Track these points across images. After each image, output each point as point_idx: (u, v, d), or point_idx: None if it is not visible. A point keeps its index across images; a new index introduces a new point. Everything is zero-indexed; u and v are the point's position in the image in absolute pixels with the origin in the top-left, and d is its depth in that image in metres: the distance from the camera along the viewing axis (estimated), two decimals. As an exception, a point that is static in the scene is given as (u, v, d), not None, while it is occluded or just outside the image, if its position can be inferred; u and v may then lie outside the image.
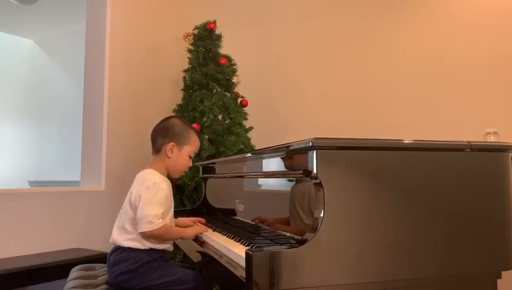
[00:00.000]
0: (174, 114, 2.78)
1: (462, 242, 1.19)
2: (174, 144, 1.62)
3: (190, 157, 1.68)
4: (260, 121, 2.91)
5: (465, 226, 1.20)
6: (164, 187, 1.55)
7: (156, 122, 1.72)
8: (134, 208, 1.51)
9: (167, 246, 1.58)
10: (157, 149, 1.64)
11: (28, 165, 5.27)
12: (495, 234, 1.23)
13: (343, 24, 2.80)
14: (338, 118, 2.74)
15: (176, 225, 1.67)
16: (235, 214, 1.77)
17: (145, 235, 1.49)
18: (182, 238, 1.61)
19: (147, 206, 1.47)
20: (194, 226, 1.68)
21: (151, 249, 1.51)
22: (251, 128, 2.76)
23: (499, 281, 1.23)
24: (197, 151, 1.74)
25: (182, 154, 1.64)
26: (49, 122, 5.19)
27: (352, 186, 1.11)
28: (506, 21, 2.24)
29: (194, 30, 2.84)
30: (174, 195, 2.53)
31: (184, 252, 2.24)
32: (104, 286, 1.52)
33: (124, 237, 1.51)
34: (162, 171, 1.63)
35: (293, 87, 2.97)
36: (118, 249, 1.52)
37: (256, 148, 2.63)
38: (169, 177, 1.66)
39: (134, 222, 1.50)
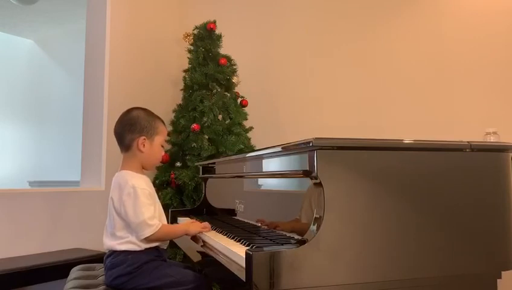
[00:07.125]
0: (173, 114, 2.78)
1: (462, 242, 1.19)
2: (145, 137, 1.55)
3: (162, 146, 1.63)
4: (260, 121, 2.91)
5: (465, 226, 1.20)
6: (144, 187, 1.50)
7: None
8: (121, 216, 1.47)
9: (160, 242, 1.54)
10: (126, 146, 1.57)
11: (28, 165, 5.27)
12: (495, 234, 1.23)
13: (343, 24, 2.80)
14: (338, 118, 2.74)
15: None
16: (235, 214, 1.77)
17: (150, 240, 1.46)
18: (187, 234, 1.57)
19: (138, 212, 1.44)
20: (196, 222, 1.64)
21: (147, 249, 1.48)
22: (251, 128, 2.77)
23: (499, 281, 1.23)
24: (166, 138, 1.66)
25: (155, 146, 1.58)
26: (49, 122, 5.19)
27: (352, 186, 1.11)
28: (506, 21, 2.24)
29: (194, 30, 2.84)
30: (173, 195, 2.57)
31: (184, 252, 2.24)
32: (103, 287, 1.51)
33: (116, 242, 1.48)
34: (137, 168, 1.56)
35: (293, 87, 2.97)
36: (114, 252, 1.49)
37: (256, 148, 2.63)
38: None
39: (126, 227, 1.47)
